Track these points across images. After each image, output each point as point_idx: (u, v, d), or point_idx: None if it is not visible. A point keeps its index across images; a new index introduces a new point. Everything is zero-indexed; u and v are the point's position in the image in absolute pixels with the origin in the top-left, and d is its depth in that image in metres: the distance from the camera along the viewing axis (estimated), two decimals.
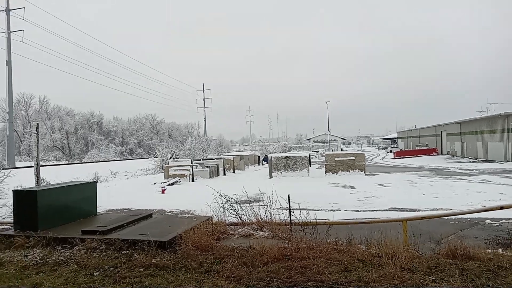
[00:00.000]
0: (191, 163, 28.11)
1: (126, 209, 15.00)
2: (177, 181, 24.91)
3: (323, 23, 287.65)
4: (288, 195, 7.03)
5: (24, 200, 5.90)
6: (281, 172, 26.56)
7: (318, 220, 6.56)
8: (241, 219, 6.90)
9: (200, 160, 34.37)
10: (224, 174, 32.22)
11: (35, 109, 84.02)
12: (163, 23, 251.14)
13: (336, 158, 26.63)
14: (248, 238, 5.86)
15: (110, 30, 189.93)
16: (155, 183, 24.94)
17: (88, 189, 7.16)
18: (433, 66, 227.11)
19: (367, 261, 4.49)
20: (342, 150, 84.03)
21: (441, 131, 55.22)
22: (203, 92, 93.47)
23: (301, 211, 6.85)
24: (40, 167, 20.04)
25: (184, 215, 7.35)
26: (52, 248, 5.38)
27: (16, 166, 44.16)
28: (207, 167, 29.11)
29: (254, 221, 6.69)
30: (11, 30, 46.95)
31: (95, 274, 4.36)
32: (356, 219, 9.89)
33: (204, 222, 6.45)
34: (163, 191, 19.85)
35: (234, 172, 34.90)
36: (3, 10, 47.43)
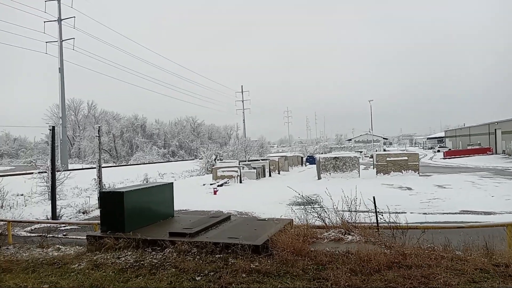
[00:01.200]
0: (239, 164, 28.11)
1: (183, 210, 15.09)
2: (226, 182, 24.97)
3: (349, 21, 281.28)
4: (374, 197, 6.61)
5: (110, 201, 5.91)
6: (330, 173, 25.96)
7: (408, 224, 6.10)
8: (324, 222, 6.56)
9: (245, 161, 34.42)
10: (270, 175, 32.01)
11: (84, 114, 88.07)
12: (199, 26, 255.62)
13: (388, 159, 25.65)
14: (339, 243, 5.52)
15: (150, 37, 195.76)
16: (204, 184, 25.14)
17: (167, 190, 7.11)
18: (479, 58, 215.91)
19: (491, 271, 4.02)
20: (384, 150, 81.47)
21: (495, 129, 52.06)
22: (242, 93, 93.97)
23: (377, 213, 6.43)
24: (89, 170, 20.80)
25: (265, 218, 7.11)
26: (143, 250, 5.31)
27: (69, 168, 46.17)
28: (254, 168, 29.02)
29: (338, 224, 6.33)
30: (63, 39, 49.36)
31: (197, 278, 4.20)
32: (436, 222, 9.29)
33: (287, 225, 6.18)
34: (215, 192, 19.90)
35: (279, 173, 34.62)
36: (55, 20, 50.00)
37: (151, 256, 5.06)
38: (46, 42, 49.32)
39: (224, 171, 26.85)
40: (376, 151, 69.67)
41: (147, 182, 30.42)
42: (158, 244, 5.31)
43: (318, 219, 6.64)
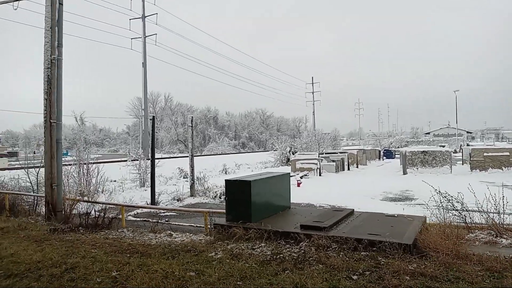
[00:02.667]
0: (318, 156, 27.52)
1: None
2: (306, 175, 24.55)
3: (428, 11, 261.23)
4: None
5: (236, 190, 5.81)
6: (417, 168, 24.31)
7: None
8: (465, 222, 5.85)
9: (322, 154, 33.66)
10: (348, 168, 30.96)
11: (161, 106, 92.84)
12: (265, 14, 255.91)
13: (485, 154, 23.33)
14: (495, 246, 4.83)
15: (215, 28, 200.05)
16: None
17: (285, 181, 6.90)
18: None
19: None
20: (467, 145, 75.10)
21: None
22: (312, 85, 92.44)
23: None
24: (168, 159, 21.69)
25: (393, 214, 6.57)
26: (275, 242, 5.11)
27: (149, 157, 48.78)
28: (333, 161, 28.22)
29: (483, 225, 5.58)
30: (146, 35, 52.18)
31: (353, 277, 3.84)
32: None
33: (424, 223, 5.59)
34: (298, 185, 19.57)
35: (357, 167, 33.36)
36: (140, 17, 52.97)
37: (288, 249, 4.82)
38: (131, 39, 52.42)
39: (303, 163, 26.43)
40: (461, 146, 64.41)
41: (226, 172, 31.12)
42: (292, 237, 5.07)
43: (458, 217, 5.92)
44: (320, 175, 25.70)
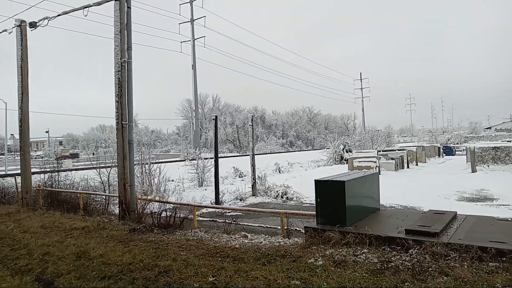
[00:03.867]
0: (377, 154, 26.41)
1: None
2: None
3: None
4: None
5: (328, 191, 5.43)
6: (488, 165, 22.53)
7: None
8: None
9: (379, 151, 32.33)
10: (408, 166, 29.45)
11: (209, 107, 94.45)
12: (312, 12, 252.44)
13: None
14: None
15: (257, 26, 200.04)
16: None
17: (375, 181, 6.42)
18: None
19: None
20: None
21: None
22: (361, 81, 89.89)
23: None
24: (219, 159, 21.75)
25: (507, 218, 5.86)
26: (380, 249, 4.65)
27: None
28: (392, 159, 26.95)
29: None
30: (195, 38, 53.20)
31: None
32: None
33: None
34: None
35: (417, 164, 31.66)
36: (188, 21, 54.11)
37: (396, 257, 4.35)
38: (181, 42, 53.74)
39: (361, 161, 25.47)
40: None
41: (279, 171, 30.78)
42: (397, 243, 4.59)
43: None
44: (379, 173, 24.61)
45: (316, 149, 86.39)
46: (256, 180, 15.76)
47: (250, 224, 10.45)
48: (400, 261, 4.20)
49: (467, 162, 28.09)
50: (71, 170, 14.66)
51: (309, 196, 15.57)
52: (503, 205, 12.31)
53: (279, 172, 29.62)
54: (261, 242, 7.40)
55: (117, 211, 12.55)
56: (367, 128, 61.09)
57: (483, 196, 14.26)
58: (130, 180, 10.06)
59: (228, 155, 68.56)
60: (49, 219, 9.31)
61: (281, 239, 7.51)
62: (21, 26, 12.60)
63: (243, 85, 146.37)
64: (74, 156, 72.70)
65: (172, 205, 10.21)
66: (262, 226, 10.31)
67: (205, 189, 18.41)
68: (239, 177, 26.16)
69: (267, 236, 8.17)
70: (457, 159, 38.91)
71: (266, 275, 4.18)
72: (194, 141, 56.44)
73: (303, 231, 8.74)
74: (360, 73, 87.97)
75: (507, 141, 61.69)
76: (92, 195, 12.85)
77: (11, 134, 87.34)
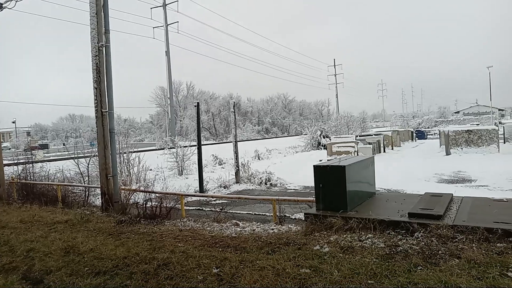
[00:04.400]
0: (355, 139, 26.74)
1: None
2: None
3: None
4: None
5: (328, 176, 5.32)
6: (461, 148, 23.24)
7: None
8: None
9: (356, 136, 32.75)
10: (384, 151, 30.04)
11: (184, 94, 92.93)
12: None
13: None
14: None
15: (233, 13, 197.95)
16: (321, 160, 24.34)
17: (371, 165, 6.37)
18: None
19: None
20: (500, 123, 72.21)
21: None
22: (335, 67, 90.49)
23: None
24: (195, 147, 21.51)
25: (502, 198, 5.94)
26: (385, 233, 4.60)
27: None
28: (369, 143, 27.37)
29: None
30: (168, 23, 51.77)
31: (509, 274, 3.30)
32: None
33: None
34: None
35: (392, 148, 32.36)
36: (160, 6, 52.52)
37: (402, 241, 4.31)
38: (153, 28, 52.23)
39: (340, 146, 25.74)
40: (496, 123, 61.92)
41: (259, 158, 30.71)
42: (402, 227, 4.56)
43: None
44: None
45: (292, 136, 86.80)
46: (240, 167, 15.58)
47: (238, 212, 10.33)
48: (408, 245, 4.16)
49: (440, 145, 28.94)
50: (44, 161, 13.97)
51: (292, 182, 15.57)
52: (482, 185, 12.70)
53: (259, 159, 29.53)
54: (254, 229, 7.27)
55: (98, 202, 12.13)
56: (342, 114, 61.77)
57: (461, 178, 14.67)
58: (112, 170, 9.68)
59: (204, 143, 67.83)
60: (27, 213, 8.84)
61: (274, 226, 7.41)
62: None
63: (218, 72, 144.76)
64: (44, 146, 70.18)
65: (156, 195, 9.91)
66: (250, 214, 10.20)
67: (187, 178, 18.11)
68: (219, 164, 25.92)
69: (258, 223, 8.05)
70: (429, 143, 40.07)
71: (273, 264, 4.06)
72: (169, 130, 55.43)
73: (294, 218, 8.70)
74: (334, 59, 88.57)
75: (476, 124, 64.10)
76: (70, 187, 12.33)
77: None
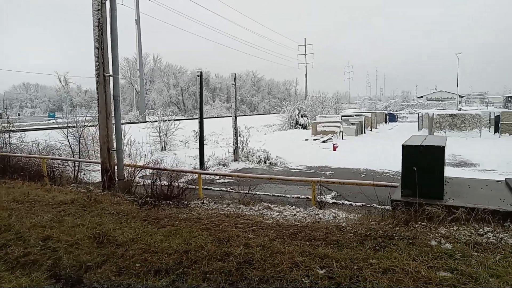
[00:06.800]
0: (341, 119, 26.41)
1: (324, 166, 13.86)
2: (330, 139, 23.50)
3: None
4: None
5: (421, 158, 4.57)
6: (445, 132, 23.54)
7: None
8: None
9: (338, 116, 32.54)
10: (365, 132, 30.08)
11: (150, 67, 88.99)
12: None
13: None
14: None
15: None
16: (306, 140, 23.81)
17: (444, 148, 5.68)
18: None
19: None
20: (460, 109, 75.27)
21: None
22: (305, 47, 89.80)
23: None
24: (168, 122, 20.40)
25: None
26: (501, 226, 3.97)
27: (146, 120, 46.78)
28: (353, 124, 27.21)
29: None
30: None
31: None
32: None
33: None
34: (334, 148, 18.52)
35: (371, 130, 32.52)
36: None
37: None
38: None
39: (325, 126, 25.33)
40: (460, 109, 64.20)
41: (240, 136, 29.72)
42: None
43: None
44: (342, 138, 24.69)
45: (261, 114, 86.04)
46: (238, 144, 14.65)
47: (256, 192, 9.43)
48: None
49: (420, 128, 29.35)
50: (17, 131, 12.33)
51: (291, 161, 14.87)
52: (488, 170, 12.61)
53: (240, 137, 28.57)
54: (295, 215, 6.51)
55: (88, 178, 10.89)
56: (317, 94, 61.44)
57: (462, 161, 14.61)
58: (117, 143, 8.48)
59: (177, 118, 65.48)
60: (18, 191, 7.53)
61: (317, 211, 6.69)
62: None
63: (185, 45, 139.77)
64: None
65: (168, 172, 8.82)
66: (268, 195, 9.41)
67: (175, 153, 16.93)
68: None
69: (293, 207, 7.30)
70: (404, 125, 40.85)
71: (398, 264, 3.30)
72: (138, 103, 52.91)
73: (331, 202, 8.00)
74: (305, 38, 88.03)
75: (441, 109, 66.23)
76: (53, 161, 10.89)
77: None
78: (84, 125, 11.22)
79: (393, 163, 14.10)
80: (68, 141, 11.35)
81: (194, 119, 63.58)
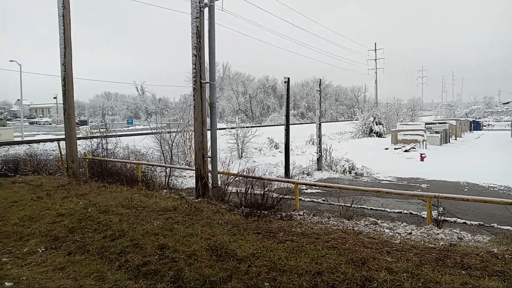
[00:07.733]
0: (424, 127, 24.71)
1: (417, 178, 12.87)
2: (413, 148, 22.00)
3: None
4: None
5: None
6: None
7: None
8: None
9: (420, 124, 30.59)
10: (449, 141, 27.81)
11: (219, 75, 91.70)
12: None
13: None
14: None
15: None
16: (386, 149, 22.55)
17: None
18: None
19: None
20: None
21: None
22: (375, 52, 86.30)
23: None
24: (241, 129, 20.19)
25: None
26: None
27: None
28: (437, 132, 25.28)
29: None
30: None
31: None
32: None
33: None
34: (422, 159, 17.22)
35: (456, 139, 30.02)
36: None
37: None
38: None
39: (407, 134, 23.83)
40: None
41: (313, 143, 29.09)
42: None
43: None
44: (425, 148, 22.99)
45: (328, 121, 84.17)
46: (322, 153, 14.14)
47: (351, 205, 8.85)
48: None
49: None
50: (112, 136, 12.99)
51: (378, 171, 14.01)
52: None
53: (313, 144, 27.98)
54: (410, 233, 5.88)
55: (176, 183, 11.10)
56: (382, 101, 58.52)
57: None
58: (212, 150, 8.47)
59: (247, 125, 66.43)
60: (121, 195, 7.75)
61: (436, 230, 5.98)
62: None
63: (253, 53, 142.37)
64: (83, 123, 71.09)
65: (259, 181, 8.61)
66: (365, 208, 8.80)
67: (254, 161, 16.86)
68: (275, 148, 24.60)
69: (403, 223, 6.65)
70: (491, 134, 37.26)
71: None
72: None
73: (440, 219, 7.20)
74: (375, 43, 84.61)
75: None
76: (147, 166, 11.27)
77: (17, 100, 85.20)
78: (178, 131, 11.49)
79: (495, 177, 12.70)
80: (161, 147, 11.72)
81: (263, 126, 64.10)
